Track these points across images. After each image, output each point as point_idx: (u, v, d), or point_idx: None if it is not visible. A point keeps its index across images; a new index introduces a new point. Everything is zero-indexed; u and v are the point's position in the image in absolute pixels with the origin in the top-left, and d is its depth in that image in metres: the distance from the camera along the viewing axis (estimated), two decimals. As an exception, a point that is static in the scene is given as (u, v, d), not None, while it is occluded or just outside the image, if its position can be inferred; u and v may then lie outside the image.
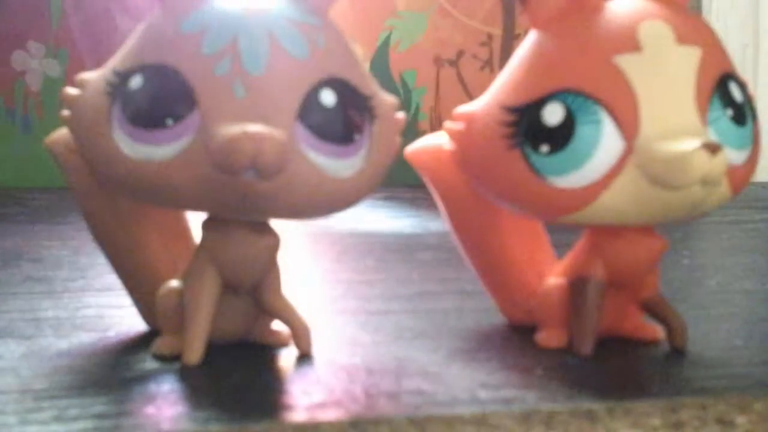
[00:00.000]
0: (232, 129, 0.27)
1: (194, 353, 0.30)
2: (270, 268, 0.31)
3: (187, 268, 0.31)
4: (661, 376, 0.31)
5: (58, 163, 0.32)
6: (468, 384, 0.29)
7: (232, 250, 0.30)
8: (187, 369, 0.30)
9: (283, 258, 0.32)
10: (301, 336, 0.31)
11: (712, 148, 0.29)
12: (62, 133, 0.32)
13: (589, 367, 0.31)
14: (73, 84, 0.31)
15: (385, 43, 0.90)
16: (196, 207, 0.30)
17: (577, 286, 0.32)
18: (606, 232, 0.32)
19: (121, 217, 0.33)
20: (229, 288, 0.31)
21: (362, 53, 0.99)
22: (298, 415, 0.26)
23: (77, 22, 0.77)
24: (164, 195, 0.29)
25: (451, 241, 0.36)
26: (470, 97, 0.29)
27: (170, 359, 0.31)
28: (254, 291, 0.31)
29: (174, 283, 0.31)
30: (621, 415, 0.27)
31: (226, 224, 0.30)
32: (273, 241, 0.31)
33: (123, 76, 0.29)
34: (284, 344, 0.32)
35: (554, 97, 0.30)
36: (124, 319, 0.36)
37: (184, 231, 0.34)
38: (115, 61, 0.30)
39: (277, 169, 0.28)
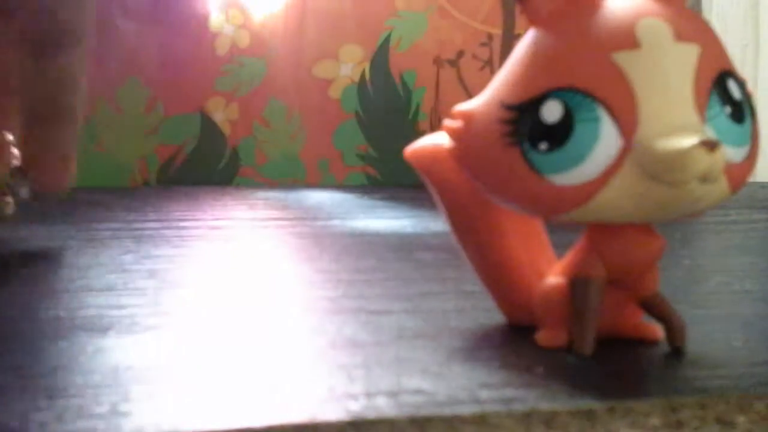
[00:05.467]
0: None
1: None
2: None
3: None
4: (661, 376, 0.31)
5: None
6: (468, 384, 0.29)
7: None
8: (186, 369, 0.30)
9: (282, 258, 0.32)
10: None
11: (711, 145, 0.29)
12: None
13: (589, 367, 0.31)
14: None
15: (385, 43, 0.90)
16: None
17: (576, 285, 0.32)
18: (605, 231, 0.32)
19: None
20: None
21: (362, 53, 0.98)
22: (298, 415, 0.26)
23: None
24: None
25: (451, 241, 0.36)
26: (470, 97, 0.29)
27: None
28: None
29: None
30: (621, 415, 0.27)
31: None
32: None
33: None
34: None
35: (553, 95, 0.30)
36: (124, 319, 0.36)
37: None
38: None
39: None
